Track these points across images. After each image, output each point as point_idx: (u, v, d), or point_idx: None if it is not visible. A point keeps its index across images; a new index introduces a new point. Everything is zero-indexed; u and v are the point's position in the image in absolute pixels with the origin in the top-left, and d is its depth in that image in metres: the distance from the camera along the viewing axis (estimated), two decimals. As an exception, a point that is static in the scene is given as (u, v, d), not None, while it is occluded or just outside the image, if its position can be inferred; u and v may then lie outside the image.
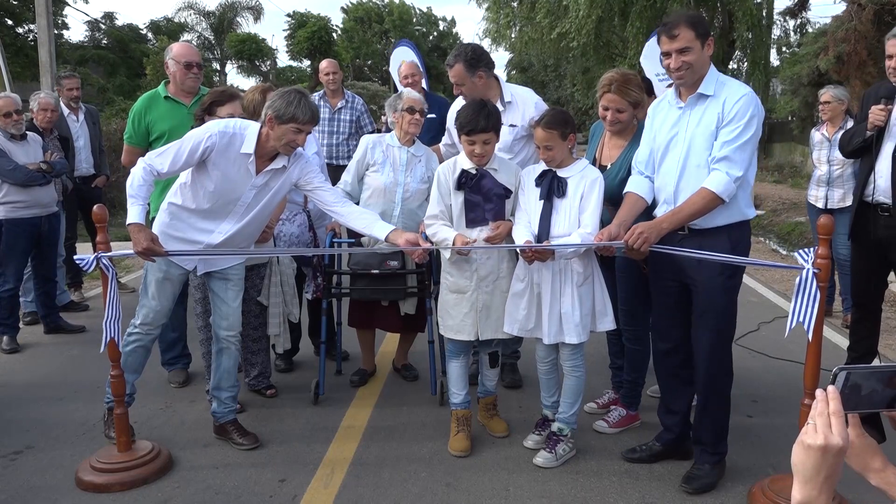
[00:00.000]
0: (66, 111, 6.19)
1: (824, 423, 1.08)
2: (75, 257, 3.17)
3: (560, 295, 3.21)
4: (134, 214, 2.94)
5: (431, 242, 3.36)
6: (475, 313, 3.35)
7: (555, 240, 3.17)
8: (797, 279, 2.75)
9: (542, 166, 3.30)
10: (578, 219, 3.18)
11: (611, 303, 3.34)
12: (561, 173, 3.23)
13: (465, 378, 3.55)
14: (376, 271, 3.87)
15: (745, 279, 7.26)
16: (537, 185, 3.27)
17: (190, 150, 3.06)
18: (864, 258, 3.64)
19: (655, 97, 3.78)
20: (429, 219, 3.40)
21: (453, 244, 3.23)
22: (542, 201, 3.23)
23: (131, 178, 3.02)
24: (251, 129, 3.16)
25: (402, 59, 7.80)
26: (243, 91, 4.23)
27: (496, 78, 3.98)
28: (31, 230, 5.10)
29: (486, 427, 3.63)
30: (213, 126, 3.14)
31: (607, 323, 3.30)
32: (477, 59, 3.78)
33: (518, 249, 3.24)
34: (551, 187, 3.22)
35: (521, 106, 3.93)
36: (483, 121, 3.20)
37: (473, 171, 3.32)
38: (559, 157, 3.21)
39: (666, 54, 2.89)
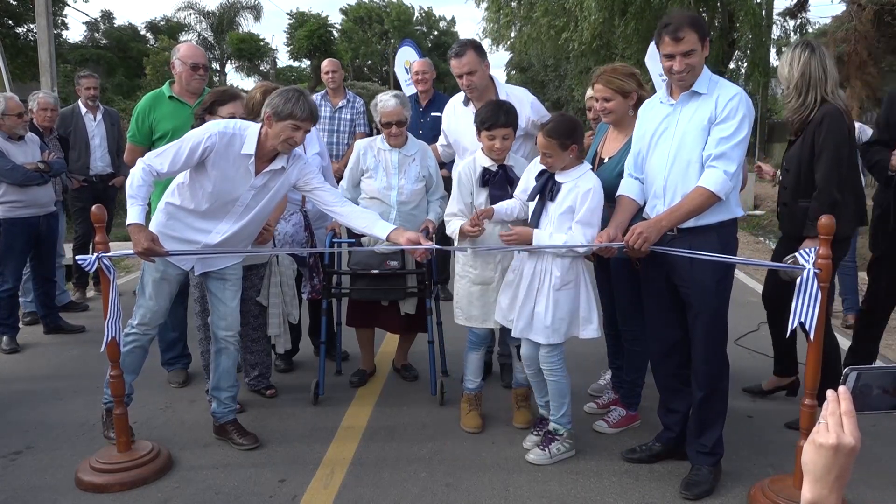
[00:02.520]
0: (83, 110, 6.21)
1: (836, 422, 1.08)
2: (77, 257, 3.15)
3: (536, 294, 3.24)
4: (134, 215, 2.94)
5: (432, 241, 3.38)
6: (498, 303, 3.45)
7: (536, 238, 3.21)
8: (798, 279, 2.74)
9: (576, 174, 3.29)
10: (563, 224, 3.17)
11: (599, 310, 3.33)
12: (558, 177, 3.25)
13: (482, 367, 3.77)
14: (376, 271, 3.87)
15: (745, 279, 7.25)
16: (536, 180, 3.30)
17: (189, 151, 3.05)
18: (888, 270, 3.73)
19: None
20: (447, 216, 3.53)
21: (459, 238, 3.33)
22: (536, 200, 3.27)
23: (130, 178, 3.02)
24: (251, 129, 3.16)
25: (406, 58, 7.83)
26: (245, 91, 4.23)
27: (491, 77, 4.01)
28: (29, 230, 5.09)
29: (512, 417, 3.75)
30: (212, 126, 3.13)
31: (591, 331, 3.27)
32: (482, 48, 3.95)
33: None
34: (544, 189, 3.24)
35: (517, 106, 3.93)
36: (503, 116, 3.37)
37: (494, 169, 3.43)
38: (557, 165, 3.22)
39: (668, 56, 2.88)
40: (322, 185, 3.34)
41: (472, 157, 3.55)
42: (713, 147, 2.85)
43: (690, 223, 2.93)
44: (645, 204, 3.14)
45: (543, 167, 3.26)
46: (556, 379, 3.33)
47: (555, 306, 3.19)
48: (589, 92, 4.15)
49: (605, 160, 3.53)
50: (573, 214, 3.14)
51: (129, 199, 2.97)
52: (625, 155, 3.36)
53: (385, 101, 3.91)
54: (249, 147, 3.12)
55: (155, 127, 4.10)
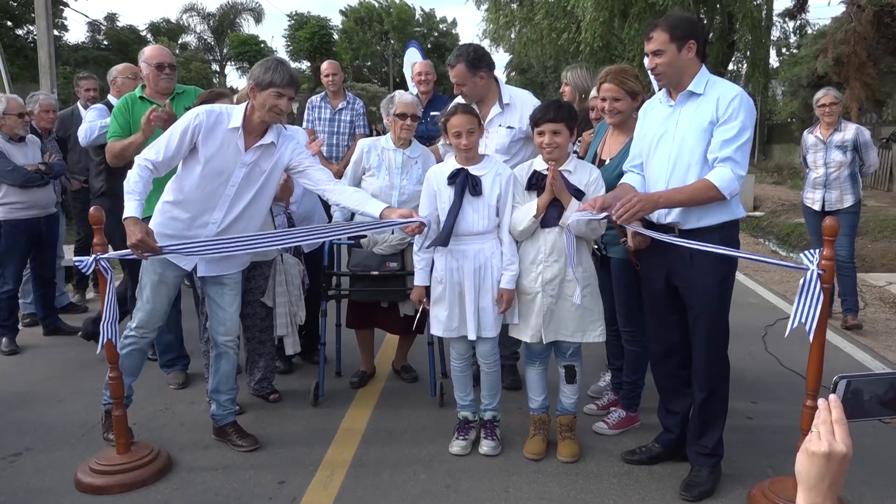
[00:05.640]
0: (83, 112, 6.19)
1: (828, 430, 1.10)
2: (74, 259, 3.15)
3: (480, 290, 3.28)
4: (130, 209, 2.95)
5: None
6: (538, 316, 3.28)
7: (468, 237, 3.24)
8: (801, 280, 2.73)
9: (489, 163, 3.35)
10: (495, 217, 3.28)
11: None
12: (473, 171, 3.28)
13: (543, 383, 3.47)
14: (376, 273, 3.86)
15: (745, 280, 7.25)
16: (449, 183, 3.30)
17: (180, 134, 3.08)
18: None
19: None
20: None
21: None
22: (455, 201, 3.25)
23: (128, 176, 3.03)
24: (238, 107, 3.22)
25: (413, 60, 7.85)
26: (237, 91, 4.23)
27: (496, 79, 3.99)
28: (30, 231, 5.10)
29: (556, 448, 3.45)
30: (199, 108, 3.18)
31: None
32: (479, 60, 3.82)
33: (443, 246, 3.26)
34: (465, 185, 3.26)
35: (520, 108, 3.93)
36: (553, 112, 3.19)
37: (545, 172, 3.29)
38: (476, 142, 3.29)
39: (647, 54, 2.95)
40: (314, 164, 3.34)
41: (531, 160, 3.45)
42: (720, 149, 2.82)
43: (692, 224, 2.91)
44: None
45: (459, 167, 3.31)
46: (494, 370, 3.43)
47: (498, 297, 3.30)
48: (594, 91, 4.16)
49: (606, 161, 3.53)
50: (501, 200, 3.28)
51: (126, 194, 2.99)
52: (625, 155, 3.35)
53: (403, 94, 4.06)
54: (236, 121, 3.15)
55: (131, 127, 4.10)
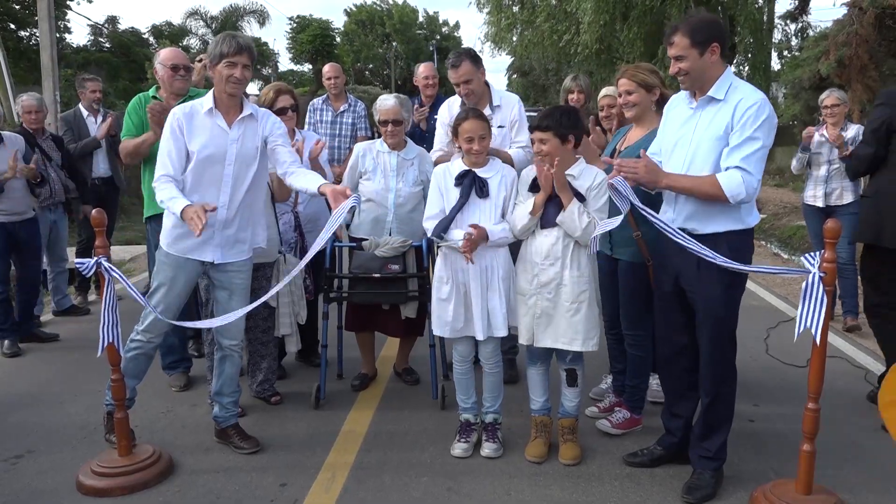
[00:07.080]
0: (85, 113, 6.23)
1: None
2: (75, 261, 3.15)
3: (487, 290, 3.32)
4: (178, 205, 3.04)
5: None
6: (531, 318, 3.27)
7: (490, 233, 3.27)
8: (803, 284, 2.73)
9: (496, 166, 3.40)
10: (501, 219, 3.33)
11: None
12: (481, 173, 3.33)
13: (544, 384, 3.47)
14: (377, 275, 3.87)
15: (747, 283, 7.23)
16: (456, 184, 3.35)
17: (171, 136, 3.20)
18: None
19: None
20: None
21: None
22: (461, 199, 3.31)
23: (156, 196, 3.16)
24: (207, 94, 3.33)
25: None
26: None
27: (487, 83, 4.08)
28: (4, 232, 5.00)
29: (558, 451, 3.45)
30: (174, 109, 3.30)
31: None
32: (477, 56, 4.06)
33: (457, 245, 3.26)
34: (472, 186, 3.31)
35: (506, 108, 4.08)
36: (538, 120, 3.21)
37: (464, 171, 3.39)
38: (487, 147, 3.34)
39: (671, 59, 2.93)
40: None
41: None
42: (728, 156, 2.79)
43: (702, 230, 2.89)
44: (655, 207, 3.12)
45: (467, 169, 3.36)
46: (497, 371, 3.47)
47: (506, 298, 3.33)
48: (603, 91, 4.23)
49: (623, 150, 3.52)
50: (507, 201, 3.35)
51: (166, 202, 3.10)
52: (644, 142, 3.31)
53: (384, 100, 4.02)
54: (208, 103, 3.25)
55: (144, 126, 4.11)
